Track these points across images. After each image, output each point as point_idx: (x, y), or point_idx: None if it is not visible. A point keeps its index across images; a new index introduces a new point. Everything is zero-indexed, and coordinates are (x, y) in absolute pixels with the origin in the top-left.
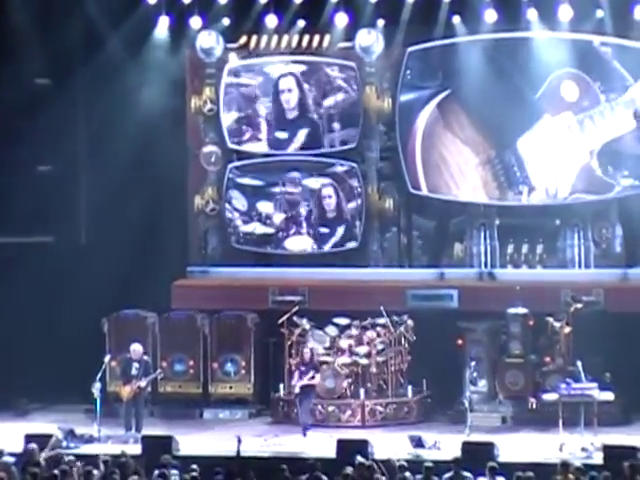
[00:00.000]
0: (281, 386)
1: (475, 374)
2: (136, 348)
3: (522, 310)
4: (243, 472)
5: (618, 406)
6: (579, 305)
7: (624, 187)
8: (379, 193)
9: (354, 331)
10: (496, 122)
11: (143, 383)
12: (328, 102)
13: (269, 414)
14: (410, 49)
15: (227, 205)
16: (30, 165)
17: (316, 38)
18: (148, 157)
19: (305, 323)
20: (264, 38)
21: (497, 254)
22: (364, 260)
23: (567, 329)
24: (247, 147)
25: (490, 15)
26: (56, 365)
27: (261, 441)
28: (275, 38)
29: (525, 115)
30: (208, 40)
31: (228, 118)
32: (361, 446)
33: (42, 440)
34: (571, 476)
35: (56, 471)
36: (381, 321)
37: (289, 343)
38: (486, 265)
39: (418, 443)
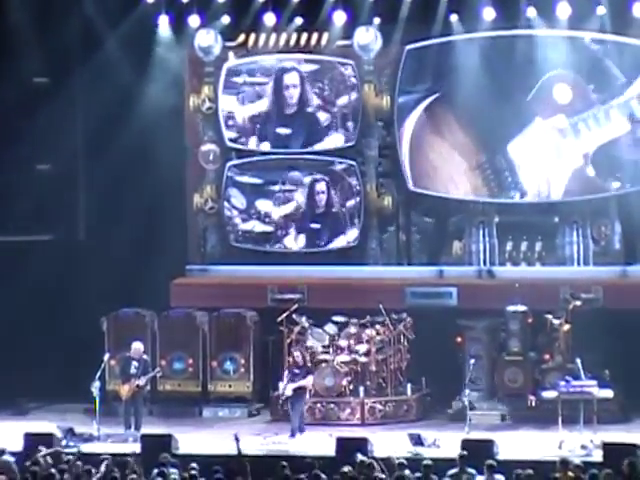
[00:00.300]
0: (280, 384)
1: (474, 372)
2: (137, 347)
3: (521, 308)
4: (242, 470)
5: (617, 403)
6: (578, 302)
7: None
8: (378, 191)
9: (353, 329)
10: (486, 126)
11: (142, 382)
12: (342, 101)
13: (268, 412)
14: (408, 47)
15: (226, 203)
16: (29, 164)
17: (314, 36)
18: (147, 156)
19: (304, 321)
20: (262, 36)
21: (496, 252)
22: (363, 258)
23: (566, 326)
24: (251, 145)
25: (488, 13)
26: (55, 364)
27: (260, 439)
28: (273, 36)
29: (516, 118)
30: (207, 39)
31: (240, 117)
32: (360, 444)
33: (41, 439)
34: (570, 474)
35: (53, 470)
36: (380, 319)
37: (288, 341)
38: (485, 263)
39: (417, 441)
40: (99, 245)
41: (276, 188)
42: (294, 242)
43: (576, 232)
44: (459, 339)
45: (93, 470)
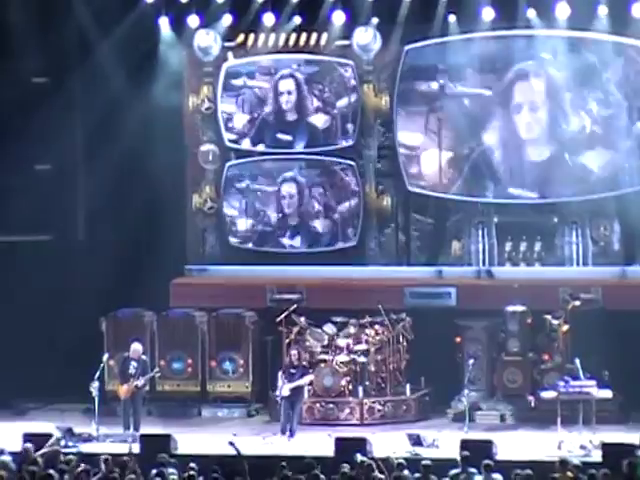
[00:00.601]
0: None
1: (473, 372)
2: (136, 347)
3: (520, 308)
4: (241, 471)
5: (616, 404)
6: (577, 303)
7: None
8: (377, 191)
9: (352, 329)
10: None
11: (140, 382)
12: (341, 103)
13: (267, 412)
14: (407, 47)
15: (225, 203)
16: (28, 164)
17: (313, 36)
18: (146, 156)
19: (303, 321)
20: (261, 37)
21: (495, 252)
22: (362, 258)
23: (565, 327)
24: (251, 147)
25: (487, 13)
26: (54, 364)
27: (259, 439)
28: (272, 36)
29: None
30: (206, 39)
31: (240, 120)
32: (359, 444)
33: (40, 439)
34: (569, 474)
35: (52, 471)
36: (379, 319)
37: (287, 341)
38: (484, 263)
39: (416, 441)
40: (98, 245)
41: (275, 188)
42: (292, 242)
43: (575, 232)
44: (458, 339)
45: (92, 470)
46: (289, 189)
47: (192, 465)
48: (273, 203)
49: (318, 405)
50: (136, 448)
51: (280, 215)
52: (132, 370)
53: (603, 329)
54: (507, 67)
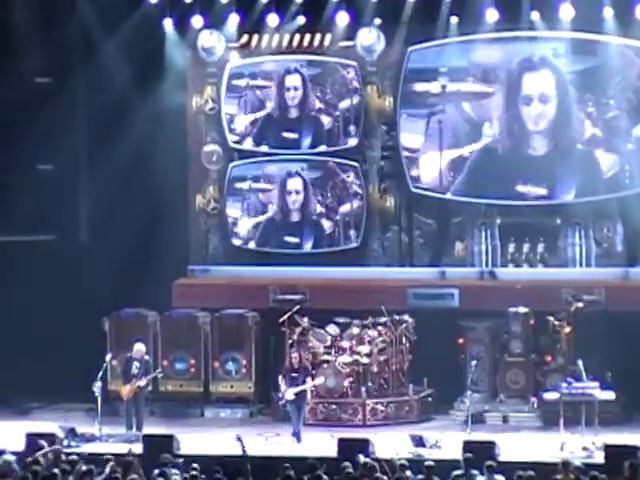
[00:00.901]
0: (282, 389)
1: (476, 373)
2: (139, 348)
3: (523, 309)
4: (243, 471)
5: (619, 405)
6: (580, 304)
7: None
8: (380, 192)
9: (355, 330)
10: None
11: (143, 382)
12: (344, 104)
13: (270, 413)
14: (411, 48)
15: (228, 204)
16: (31, 164)
17: (317, 37)
18: (149, 156)
19: (306, 322)
20: (265, 37)
21: (498, 253)
22: (365, 259)
23: (568, 328)
24: (254, 147)
25: (491, 14)
26: (57, 364)
27: (262, 440)
28: (276, 37)
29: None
30: (209, 39)
31: (242, 121)
32: (362, 445)
33: (43, 439)
34: (571, 475)
35: (56, 470)
36: (382, 320)
37: (290, 342)
38: (487, 264)
39: (419, 442)
40: (101, 245)
41: (278, 188)
42: (296, 240)
43: (578, 234)
44: (461, 340)
45: (95, 470)
46: (295, 185)
47: (194, 465)
48: (276, 201)
49: (321, 406)
50: (138, 448)
51: (285, 212)
52: (135, 370)
53: (606, 330)
54: (510, 64)
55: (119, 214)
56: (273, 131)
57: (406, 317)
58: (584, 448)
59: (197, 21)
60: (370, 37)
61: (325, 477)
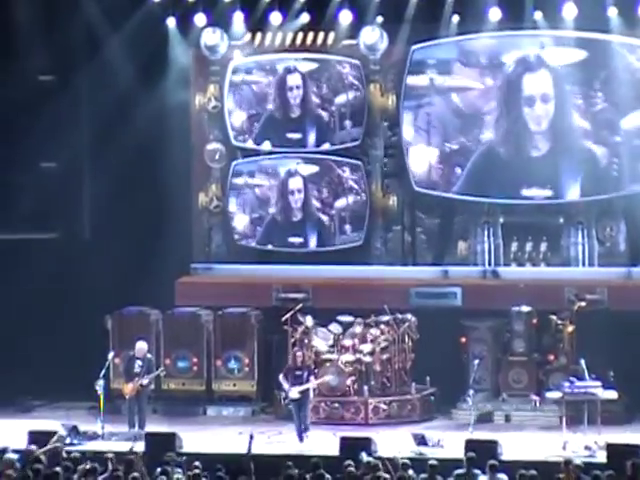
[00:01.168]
0: (285, 387)
1: (478, 372)
2: (141, 346)
3: (526, 308)
4: (246, 469)
5: (621, 405)
6: (583, 303)
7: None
8: (383, 190)
9: (358, 329)
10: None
11: (145, 381)
12: (340, 100)
13: (272, 411)
14: (414, 47)
15: (230, 202)
16: (34, 162)
17: (320, 35)
18: (152, 154)
19: (309, 321)
20: (269, 35)
21: (501, 252)
22: (368, 258)
23: (571, 327)
24: (255, 146)
25: (494, 13)
26: (60, 362)
27: (264, 438)
28: (280, 35)
29: None
30: (213, 37)
31: (238, 117)
32: (364, 444)
33: (45, 437)
34: (574, 474)
35: (59, 468)
36: (385, 319)
37: (293, 340)
38: (490, 263)
39: (421, 441)
40: (104, 243)
41: (280, 187)
42: (300, 239)
43: (581, 233)
44: (463, 339)
45: (98, 468)
46: (297, 184)
47: (196, 464)
48: (276, 201)
49: (323, 404)
50: (140, 446)
51: (287, 211)
52: (137, 369)
53: (608, 330)
54: (508, 61)
55: (122, 212)
56: (276, 132)
57: (409, 316)
58: (586, 447)
59: (200, 19)
60: (373, 36)
61: (327, 476)
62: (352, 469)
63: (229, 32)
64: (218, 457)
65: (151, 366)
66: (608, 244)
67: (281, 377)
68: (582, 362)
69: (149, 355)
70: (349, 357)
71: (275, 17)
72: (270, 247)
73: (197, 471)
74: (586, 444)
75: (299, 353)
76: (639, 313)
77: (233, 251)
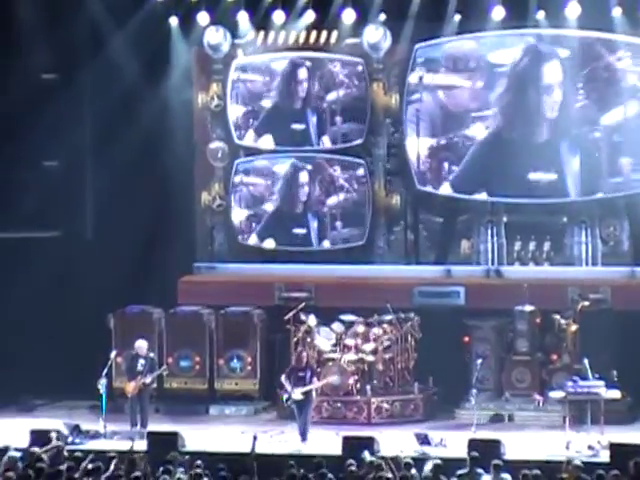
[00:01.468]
0: (287, 387)
1: (482, 372)
2: (141, 345)
3: (529, 308)
4: (249, 469)
5: (625, 404)
6: (586, 303)
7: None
8: (386, 189)
9: (360, 328)
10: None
11: (148, 379)
12: (331, 97)
13: (275, 410)
14: (417, 45)
15: (233, 201)
16: (36, 160)
17: (323, 34)
18: (155, 153)
19: (311, 320)
20: (272, 34)
21: (504, 251)
22: (371, 257)
23: (574, 327)
24: (259, 143)
25: (497, 12)
26: (62, 361)
27: (267, 438)
28: (283, 34)
29: None
30: (215, 36)
31: (234, 112)
32: (367, 443)
33: (47, 436)
34: (576, 474)
35: (62, 467)
36: (387, 318)
37: (295, 340)
38: (493, 262)
39: (424, 440)
40: (106, 242)
41: (282, 185)
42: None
43: (585, 232)
44: (466, 339)
45: (102, 468)
46: (305, 178)
47: (198, 463)
48: (280, 195)
49: (326, 404)
50: (142, 445)
51: (292, 205)
52: (140, 367)
53: (612, 329)
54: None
55: (124, 211)
56: (280, 124)
57: (412, 315)
58: (590, 447)
59: (203, 18)
60: (377, 34)
61: (330, 475)
62: (354, 468)
63: (232, 31)
64: (220, 456)
65: (153, 365)
66: (612, 243)
67: (283, 378)
68: (585, 361)
69: (151, 354)
70: (352, 356)
71: (278, 16)
72: (273, 243)
73: (199, 471)
74: (589, 444)
75: (303, 354)
76: None
77: (236, 250)
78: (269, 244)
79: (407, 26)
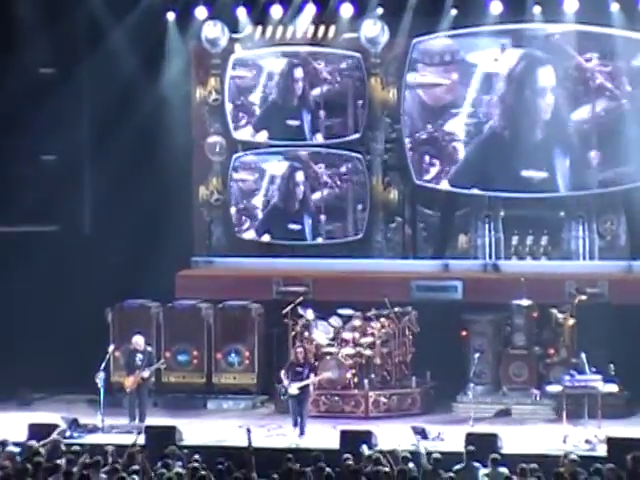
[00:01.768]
0: (284, 382)
1: (479, 366)
2: (138, 340)
3: (526, 302)
4: (247, 463)
5: (622, 398)
6: (583, 297)
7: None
8: (384, 184)
9: (358, 322)
10: None
11: (146, 374)
12: (315, 92)
13: (272, 405)
14: (415, 40)
15: (231, 195)
16: (34, 154)
17: (321, 29)
18: (153, 147)
19: (309, 314)
20: (269, 29)
21: (502, 246)
22: (368, 251)
23: (571, 321)
24: (257, 137)
25: (495, 6)
26: (60, 355)
27: (264, 432)
28: (280, 29)
29: None
30: (213, 30)
31: (231, 107)
32: (365, 437)
33: (46, 429)
34: (573, 468)
35: (60, 461)
36: (385, 312)
37: (293, 334)
38: (490, 257)
39: (422, 434)
40: (104, 236)
41: (280, 180)
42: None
43: (582, 227)
44: (464, 333)
45: (100, 462)
46: (301, 177)
47: (195, 457)
48: (280, 192)
49: (323, 397)
50: (141, 439)
51: (290, 203)
52: (138, 362)
53: (609, 323)
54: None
55: (122, 205)
56: (276, 120)
57: (409, 309)
58: (587, 441)
59: (201, 12)
60: (374, 29)
61: (328, 469)
62: (351, 462)
63: (230, 25)
64: (218, 450)
65: (152, 359)
66: (609, 238)
67: (282, 373)
68: (583, 356)
69: (149, 348)
70: (349, 350)
71: (276, 10)
72: (270, 239)
73: (196, 465)
74: (587, 438)
75: (300, 349)
76: (639, 306)
77: (233, 244)
78: (265, 239)
79: (405, 20)
